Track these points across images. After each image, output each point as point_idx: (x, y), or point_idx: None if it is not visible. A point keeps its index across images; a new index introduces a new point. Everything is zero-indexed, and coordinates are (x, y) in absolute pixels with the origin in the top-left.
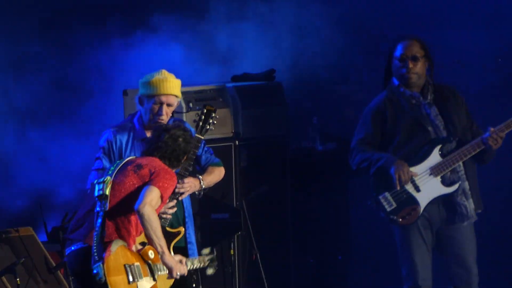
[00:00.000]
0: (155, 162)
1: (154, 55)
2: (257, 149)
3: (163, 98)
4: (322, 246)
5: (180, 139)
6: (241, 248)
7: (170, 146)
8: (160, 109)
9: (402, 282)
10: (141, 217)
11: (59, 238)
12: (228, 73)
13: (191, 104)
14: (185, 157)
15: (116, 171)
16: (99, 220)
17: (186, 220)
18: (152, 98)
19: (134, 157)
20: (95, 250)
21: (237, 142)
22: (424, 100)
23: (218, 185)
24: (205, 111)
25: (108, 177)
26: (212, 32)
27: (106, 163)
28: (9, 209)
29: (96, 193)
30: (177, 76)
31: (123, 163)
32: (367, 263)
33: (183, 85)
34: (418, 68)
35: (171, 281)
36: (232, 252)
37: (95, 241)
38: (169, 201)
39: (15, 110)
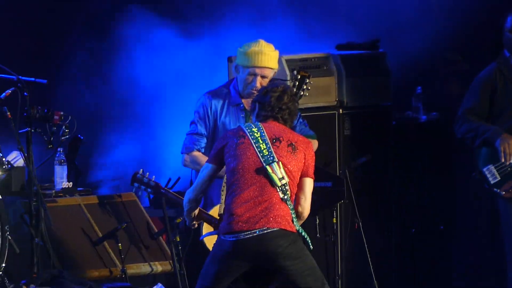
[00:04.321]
0: (298, 137)
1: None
2: (360, 118)
3: (258, 71)
4: (424, 216)
5: (295, 98)
6: (343, 217)
7: (290, 107)
8: (254, 80)
9: (504, 254)
10: (302, 219)
11: (162, 204)
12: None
13: (295, 72)
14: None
15: (270, 149)
16: (291, 207)
17: None
18: (247, 69)
19: (261, 124)
20: (304, 234)
21: (341, 110)
22: None
23: (321, 153)
24: (299, 77)
25: (280, 163)
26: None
27: (201, 128)
28: (112, 175)
29: (283, 180)
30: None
31: (262, 135)
32: (470, 233)
33: (289, 52)
34: None
35: None
36: (334, 220)
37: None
38: None
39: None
